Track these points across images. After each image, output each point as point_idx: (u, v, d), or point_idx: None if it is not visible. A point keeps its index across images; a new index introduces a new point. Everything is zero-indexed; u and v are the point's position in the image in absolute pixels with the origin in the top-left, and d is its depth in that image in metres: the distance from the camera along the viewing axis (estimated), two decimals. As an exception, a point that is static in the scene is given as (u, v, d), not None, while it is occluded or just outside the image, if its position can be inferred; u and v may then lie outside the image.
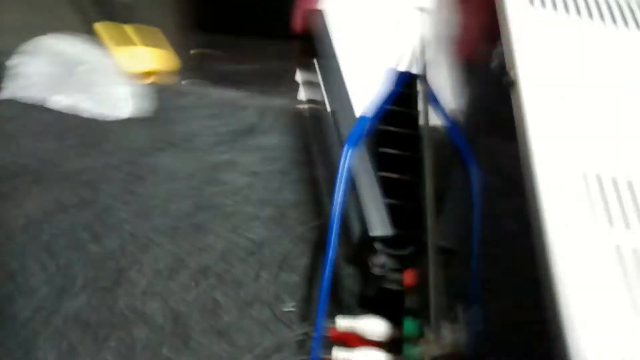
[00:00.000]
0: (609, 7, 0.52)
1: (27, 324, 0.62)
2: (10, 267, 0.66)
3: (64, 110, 0.84)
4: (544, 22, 0.47)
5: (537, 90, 0.35)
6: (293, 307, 0.67)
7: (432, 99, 0.65)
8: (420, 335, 0.44)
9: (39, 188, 0.75)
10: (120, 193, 0.76)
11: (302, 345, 0.64)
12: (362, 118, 0.66)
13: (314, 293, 0.68)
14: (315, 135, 0.81)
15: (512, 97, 0.37)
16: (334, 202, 0.59)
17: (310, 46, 0.77)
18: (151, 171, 0.78)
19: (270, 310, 0.67)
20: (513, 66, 0.39)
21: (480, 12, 0.68)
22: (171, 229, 0.73)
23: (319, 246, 0.73)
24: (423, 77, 0.66)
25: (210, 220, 0.74)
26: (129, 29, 1.09)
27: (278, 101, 0.90)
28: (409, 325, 0.51)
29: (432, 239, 0.47)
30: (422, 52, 0.71)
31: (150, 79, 0.89)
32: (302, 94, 0.90)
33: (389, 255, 0.54)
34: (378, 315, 0.58)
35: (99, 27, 1.08)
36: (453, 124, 0.63)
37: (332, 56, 0.73)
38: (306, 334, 0.64)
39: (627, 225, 0.33)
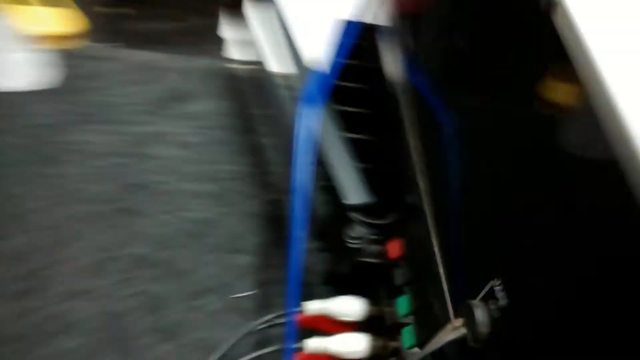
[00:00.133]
0: None
1: None
2: None
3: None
4: None
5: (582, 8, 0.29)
6: (248, 293, 0.59)
7: (398, 52, 0.58)
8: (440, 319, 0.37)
9: None
10: (26, 178, 0.65)
11: (263, 337, 0.56)
12: (317, 73, 0.57)
13: (271, 275, 0.60)
14: (256, 98, 0.72)
15: (553, 20, 0.30)
16: (294, 170, 0.51)
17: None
18: (64, 150, 0.67)
19: (221, 300, 0.60)
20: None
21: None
22: (94, 216, 0.63)
23: (272, 222, 0.66)
24: (389, 29, 0.58)
25: (140, 202, 0.65)
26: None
27: (204, 62, 0.81)
28: (404, 304, 0.44)
29: (429, 204, 0.40)
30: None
31: (55, 44, 0.77)
32: (232, 53, 0.80)
33: (367, 225, 0.47)
34: (351, 294, 0.51)
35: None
36: (423, 79, 0.56)
37: (273, 6, 0.64)
38: (268, 322, 0.56)
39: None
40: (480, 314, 0.32)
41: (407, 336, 0.44)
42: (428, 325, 0.40)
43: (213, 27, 0.84)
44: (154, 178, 0.67)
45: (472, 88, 0.43)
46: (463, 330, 0.34)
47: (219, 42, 0.83)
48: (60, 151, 0.67)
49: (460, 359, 0.35)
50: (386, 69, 0.57)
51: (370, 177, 0.51)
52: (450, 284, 0.38)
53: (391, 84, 0.54)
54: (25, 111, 0.71)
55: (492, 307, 0.32)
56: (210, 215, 0.65)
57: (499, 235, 0.34)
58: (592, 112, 0.28)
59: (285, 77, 0.67)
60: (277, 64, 0.69)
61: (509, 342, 0.32)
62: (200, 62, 0.82)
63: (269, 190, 0.68)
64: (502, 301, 0.31)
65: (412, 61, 0.54)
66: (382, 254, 0.48)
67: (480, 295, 0.33)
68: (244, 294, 0.60)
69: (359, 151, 0.53)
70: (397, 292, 0.46)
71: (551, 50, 0.33)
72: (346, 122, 0.56)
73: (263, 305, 0.59)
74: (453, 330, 0.35)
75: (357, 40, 0.60)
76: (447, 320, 0.36)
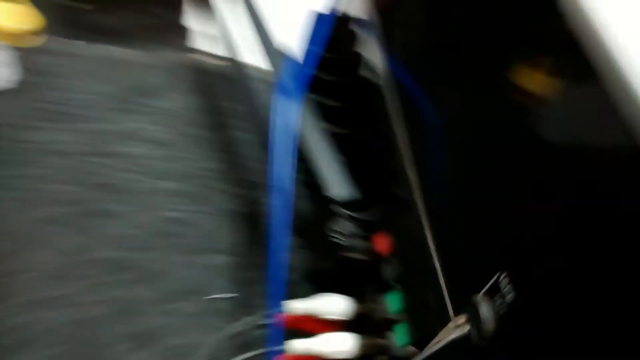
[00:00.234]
0: None
1: None
2: None
3: None
4: None
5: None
6: (227, 295, 0.57)
7: (377, 42, 0.56)
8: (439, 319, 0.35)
9: None
10: (-16, 181, 0.60)
11: (245, 340, 0.54)
12: (290, 63, 0.55)
13: (251, 275, 0.58)
14: (227, 91, 0.69)
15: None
16: (272, 165, 0.48)
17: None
18: (26, 150, 0.62)
19: (198, 303, 0.57)
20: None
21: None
22: (59, 220, 0.58)
23: (250, 220, 0.63)
24: (367, 19, 0.56)
25: (110, 202, 0.61)
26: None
27: (169, 55, 0.77)
28: (394, 301, 0.42)
29: (420, 196, 0.39)
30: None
31: (10, 41, 0.73)
32: (199, 45, 0.77)
33: (353, 220, 0.45)
34: (336, 292, 0.49)
35: None
36: (402, 70, 0.54)
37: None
38: (249, 325, 0.54)
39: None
40: (486, 310, 0.31)
41: (400, 334, 0.42)
42: (424, 322, 0.38)
43: (177, 19, 0.80)
44: (123, 177, 0.63)
45: (456, 76, 0.42)
46: (466, 328, 0.32)
47: (184, 34, 0.79)
48: (22, 151, 0.63)
49: (463, 357, 0.34)
50: (366, 59, 0.55)
51: (354, 171, 0.49)
52: (448, 278, 0.36)
53: (372, 75, 0.52)
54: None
55: (498, 302, 0.30)
56: (184, 215, 0.62)
57: (504, 224, 0.32)
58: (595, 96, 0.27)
59: (257, 68, 0.65)
60: (248, 55, 0.66)
61: (516, 339, 0.30)
62: (166, 56, 0.77)
63: (246, 187, 0.65)
64: (509, 296, 0.30)
65: (392, 51, 0.52)
66: (369, 249, 0.46)
67: (484, 289, 0.31)
68: (222, 296, 0.57)
69: (341, 144, 0.51)
70: (386, 288, 0.44)
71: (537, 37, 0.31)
72: (326, 114, 0.53)
73: (243, 306, 0.57)
74: (456, 328, 0.33)
75: (334, 30, 0.58)
76: (445, 316, 0.35)
